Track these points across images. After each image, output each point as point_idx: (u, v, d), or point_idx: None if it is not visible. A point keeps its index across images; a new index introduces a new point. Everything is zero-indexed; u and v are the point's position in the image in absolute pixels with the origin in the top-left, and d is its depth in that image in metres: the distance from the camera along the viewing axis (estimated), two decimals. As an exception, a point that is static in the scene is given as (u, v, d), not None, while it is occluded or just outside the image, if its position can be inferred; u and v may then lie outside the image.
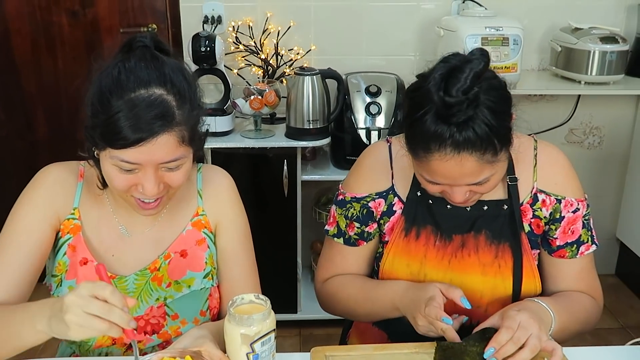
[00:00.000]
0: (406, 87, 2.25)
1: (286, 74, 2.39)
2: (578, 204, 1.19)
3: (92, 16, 2.46)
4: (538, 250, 1.23)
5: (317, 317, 2.35)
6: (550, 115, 2.60)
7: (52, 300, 0.94)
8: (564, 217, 1.18)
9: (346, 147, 2.25)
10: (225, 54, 2.32)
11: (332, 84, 2.25)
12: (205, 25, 2.38)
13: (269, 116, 2.32)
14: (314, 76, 2.15)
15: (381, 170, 1.23)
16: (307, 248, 2.60)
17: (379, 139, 2.19)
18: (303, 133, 2.17)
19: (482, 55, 1.00)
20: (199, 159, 1.13)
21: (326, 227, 1.30)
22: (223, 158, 2.16)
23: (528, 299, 1.13)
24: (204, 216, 1.19)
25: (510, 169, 1.16)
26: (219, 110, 2.21)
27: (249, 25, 2.39)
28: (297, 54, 2.41)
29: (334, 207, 1.28)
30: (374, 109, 2.20)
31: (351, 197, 1.24)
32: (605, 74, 2.29)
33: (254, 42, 2.39)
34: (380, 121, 2.20)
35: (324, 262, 1.32)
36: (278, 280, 2.25)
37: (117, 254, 1.14)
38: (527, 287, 1.18)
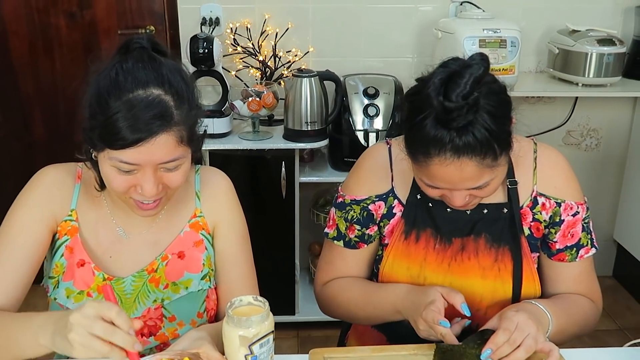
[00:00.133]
0: (404, 89, 2.28)
1: (284, 75, 2.39)
2: (578, 207, 1.19)
3: (89, 18, 2.46)
4: (538, 254, 1.23)
5: (315, 319, 2.35)
6: (547, 117, 2.61)
7: (56, 316, 0.92)
8: (563, 220, 1.18)
9: (344, 149, 2.25)
10: (223, 56, 2.32)
11: (330, 85, 2.25)
12: (203, 27, 2.38)
13: (266, 118, 2.32)
14: (312, 78, 2.15)
15: (381, 172, 1.23)
16: (305, 250, 2.60)
17: (376, 141, 2.19)
18: (301, 135, 2.17)
19: (482, 60, 1.00)
20: (196, 160, 1.13)
21: (326, 230, 1.29)
22: (221, 160, 2.16)
23: (526, 301, 1.13)
24: (202, 218, 1.18)
25: (510, 172, 1.16)
26: (217, 112, 2.21)
27: (246, 27, 2.40)
28: (295, 55, 2.42)
29: (333, 209, 1.27)
30: (371, 110, 2.20)
31: (351, 200, 1.24)
32: (602, 76, 2.30)
33: (252, 43, 2.39)
34: (378, 123, 2.21)
35: (323, 265, 1.32)
36: (276, 282, 2.24)
37: (114, 255, 1.14)
38: (527, 290, 1.18)
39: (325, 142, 2.22)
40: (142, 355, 0.88)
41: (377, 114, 2.20)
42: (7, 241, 1.09)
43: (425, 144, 1.00)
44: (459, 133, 0.97)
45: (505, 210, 1.18)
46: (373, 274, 1.30)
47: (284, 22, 2.40)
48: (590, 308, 1.21)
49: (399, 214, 1.22)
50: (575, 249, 1.20)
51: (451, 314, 1.06)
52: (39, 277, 1.13)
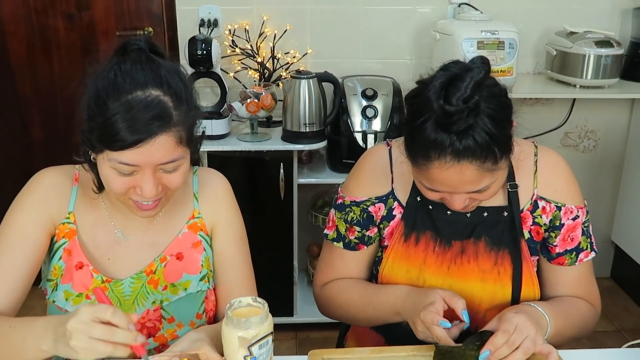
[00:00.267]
0: (402, 91, 2.28)
1: (282, 77, 2.39)
2: (578, 211, 1.19)
3: (88, 19, 2.46)
4: (537, 257, 1.23)
5: (313, 320, 2.35)
6: (545, 118, 2.61)
7: (55, 321, 0.93)
8: (563, 224, 1.18)
9: (342, 151, 2.25)
10: (222, 57, 2.33)
11: (328, 87, 2.25)
12: (201, 28, 2.38)
13: (265, 119, 2.33)
14: (311, 79, 2.15)
15: (381, 174, 1.23)
16: (303, 251, 2.60)
17: (375, 142, 2.19)
18: (299, 136, 2.17)
19: (482, 63, 1.00)
20: (194, 162, 1.13)
21: (325, 231, 1.29)
22: (219, 161, 2.16)
23: (525, 303, 1.13)
24: (200, 219, 1.18)
25: (511, 176, 1.16)
26: (216, 114, 2.21)
27: (245, 29, 2.40)
28: (294, 57, 2.42)
29: (333, 210, 1.27)
30: (370, 112, 2.20)
31: (350, 201, 1.24)
32: (600, 77, 2.30)
33: (251, 45, 2.39)
34: (377, 124, 2.21)
35: (323, 266, 1.32)
36: (274, 284, 2.24)
37: (112, 257, 1.14)
38: (526, 294, 1.18)
39: (323, 144, 2.22)
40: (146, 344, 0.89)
41: (375, 116, 2.20)
42: (5, 245, 1.08)
43: (425, 148, 1.00)
44: (459, 137, 0.97)
45: (506, 213, 1.18)
46: (372, 276, 1.30)
47: (283, 24, 2.40)
48: (588, 311, 1.21)
49: (398, 216, 1.21)
50: (574, 252, 1.20)
51: (450, 317, 1.06)
52: (37, 279, 1.13)
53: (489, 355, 0.99)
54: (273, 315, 0.95)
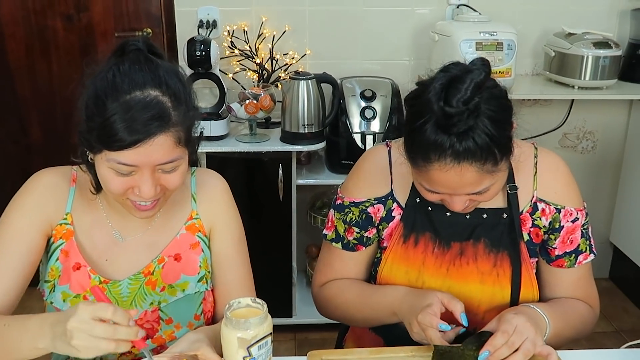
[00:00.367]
0: (401, 92, 2.28)
1: (281, 78, 2.39)
2: (577, 214, 1.19)
3: (86, 20, 2.46)
4: (536, 259, 1.22)
5: (312, 321, 2.35)
6: (544, 119, 2.61)
7: (50, 319, 0.92)
8: (563, 226, 1.18)
9: (341, 152, 2.25)
10: (221, 59, 2.33)
11: (327, 88, 2.25)
12: (200, 29, 2.38)
13: (264, 120, 2.32)
14: (309, 80, 2.15)
15: (380, 175, 1.22)
16: (302, 252, 2.60)
17: (374, 143, 2.19)
18: (298, 137, 2.18)
19: (483, 65, 1.00)
20: (192, 162, 1.13)
21: (324, 232, 1.29)
22: (218, 162, 2.16)
23: (523, 304, 1.13)
24: (198, 220, 1.18)
25: (510, 178, 1.16)
26: (214, 115, 2.21)
27: (244, 30, 2.40)
28: (292, 58, 2.42)
29: (332, 211, 1.27)
30: (369, 113, 2.21)
31: (350, 202, 1.24)
32: (598, 78, 2.31)
33: (249, 46, 2.39)
34: (375, 125, 2.21)
35: (321, 267, 1.31)
36: (273, 285, 2.24)
37: (110, 258, 1.14)
38: (525, 296, 1.17)
39: (322, 145, 2.22)
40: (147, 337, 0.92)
41: (374, 117, 2.20)
42: (1, 245, 1.08)
43: (425, 149, 1.00)
44: (459, 138, 0.97)
45: (505, 215, 1.18)
46: (371, 277, 1.30)
47: (281, 25, 2.40)
48: (587, 312, 1.21)
49: (398, 217, 1.21)
50: (574, 255, 1.20)
51: (447, 320, 1.05)
52: (35, 279, 1.13)
53: (488, 356, 0.99)
54: (272, 317, 0.95)
